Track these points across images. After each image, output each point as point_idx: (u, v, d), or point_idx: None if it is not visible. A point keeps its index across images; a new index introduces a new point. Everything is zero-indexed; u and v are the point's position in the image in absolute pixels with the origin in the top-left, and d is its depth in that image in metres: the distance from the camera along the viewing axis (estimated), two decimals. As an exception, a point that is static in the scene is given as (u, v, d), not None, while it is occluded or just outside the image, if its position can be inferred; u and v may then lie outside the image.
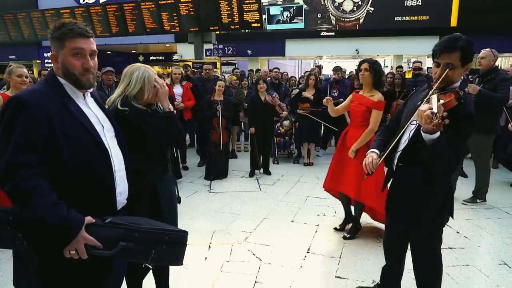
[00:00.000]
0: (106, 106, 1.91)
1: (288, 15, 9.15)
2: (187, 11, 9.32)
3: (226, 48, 14.50)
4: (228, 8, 9.01)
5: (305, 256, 3.12)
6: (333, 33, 12.84)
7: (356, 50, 12.53)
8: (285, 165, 6.27)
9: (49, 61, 9.61)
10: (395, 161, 2.05)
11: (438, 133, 1.64)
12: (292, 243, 3.36)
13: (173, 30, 9.73)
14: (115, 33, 10.24)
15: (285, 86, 6.98)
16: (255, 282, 2.73)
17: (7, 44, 12.78)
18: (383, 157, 1.96)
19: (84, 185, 1.46)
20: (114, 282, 1.73)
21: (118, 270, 1.72)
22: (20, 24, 11.17)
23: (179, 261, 1.66)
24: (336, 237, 3.50)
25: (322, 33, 12.78)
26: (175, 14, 9.44)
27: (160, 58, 19.77)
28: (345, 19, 12.17)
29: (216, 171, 5.28)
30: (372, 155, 2.02)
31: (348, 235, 3.43)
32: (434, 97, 1.68)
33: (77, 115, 1.49)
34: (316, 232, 3.61)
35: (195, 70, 8.91)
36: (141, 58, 19.43)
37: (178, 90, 5.63)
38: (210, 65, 6.40)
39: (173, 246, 1.58)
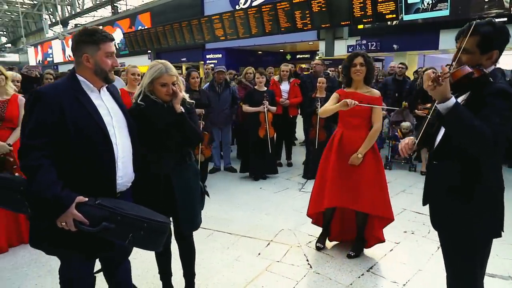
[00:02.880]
0: (133, 100, 2.14)
1: (430, 2, 7.97)
2: (319, 8, 9.27)
3: (370, 43, 13.67)
4: (361, 1, 8.52)
5: (362, 275, 2.77)
6: (506, 19, 10.51)
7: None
8: (397, 172, 5.59)
9: (211, 61, 11.15)
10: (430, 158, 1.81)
11: (452, 100, 1.48)
12: (356, 259, 3.02)
13: (305, 28, 9.83)
14: (254, 33, 11.06)
15: (410, 83, 6.16)
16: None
17: (180, 48, 15.41)
18: (419, 138, 1.76)
19: (86, 165, 1.69)
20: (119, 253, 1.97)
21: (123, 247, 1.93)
22: (192, 29, 13.21)
23: (154, 247, 1.80)
24: (411, 259, 2.96)
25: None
26: (307, 11, 9.51)
27: (305, 56, 20.19)
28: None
29: (313, 169, 5.13)
30: (409, 138, 1.86)
31: (354, 253, 3.02)
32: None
33: (87, 106, 1.73)
34: (390, 251, 3.13)
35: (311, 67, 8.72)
36: (288, 57, 20.28)
37: (285, 87, 5.69)
38: (319, 61, 6.21)
39: (150, 233, 1.72)
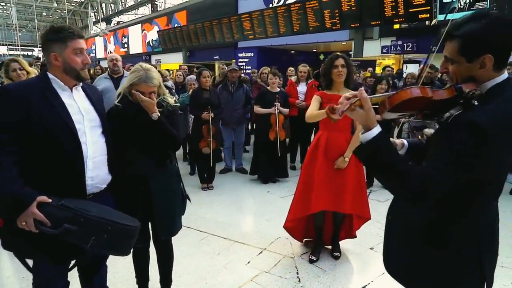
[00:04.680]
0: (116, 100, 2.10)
1: (467, 1, 7.40)
2: (348, 7, 8.93)
3: (405, 44, 13.03)
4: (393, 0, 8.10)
5: (352, 294, 2.58)
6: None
7: None
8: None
9: (243, 60, 11.16)
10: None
11: (375, 131, 1.17)
12: (350, 275, 2.83)
13: (334, 28, 9.52)
14: (283, 33, 10.88)
15: (439, 86, 5.76)
16: (273, 303, 2.46)
17: (212, 46, 15.52)
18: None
19: (53, 164, 1.66)
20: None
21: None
22: (222, 28, 13.26)
23: (120, 252, 1.74)
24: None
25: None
26: (336, 11, 9.21)
27: (339, 56, 19.66)
28: None
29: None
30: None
31: (340, 253, 3.07)
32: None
33: (54, 104, 1.69)
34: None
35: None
36: (321, 57, 19.87)
37: (302, 88, 5.51)
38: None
39: (114, 237, 1.66)
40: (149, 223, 2.23)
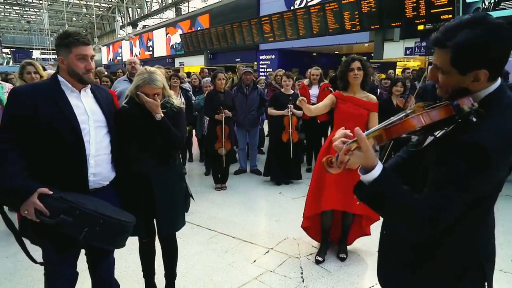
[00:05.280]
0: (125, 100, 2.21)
1: (492, 1, 7.16)
2: (368, 8, 8.86)
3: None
4: (414, 0, 7.97)
5: (355, 295, 2.59)
6: None
7: None
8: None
9: (264, 62, 11.25)
10: None
11: (377, 171, 1.09)
12: (354, 277, 2.83)
13: (354, 29, 9.45)
14: (302, 35, 10.90)
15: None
16: (275, 301, 2.50)
17: (234, 48, 15.70)
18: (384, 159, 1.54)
19: (57, 160, 1.78)
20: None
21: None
22: (243, 31, 13.43)
23: (112, 245, 1.84)
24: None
25: None
26: (356, 12, 9.14)
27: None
28: None
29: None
30: None
31: (346, 255, 3.09)
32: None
33: (60, 104, 1.81)
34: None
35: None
36: (343, 59, 19.68)
37: (314, 91, 5.52)
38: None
39: (107, 230, 1.75)
40: (154, 219, 2.32)
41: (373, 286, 2.70)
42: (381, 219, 2.95)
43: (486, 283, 1.20)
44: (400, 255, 1.32)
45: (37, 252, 1.85)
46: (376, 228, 3.20)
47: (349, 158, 1.10)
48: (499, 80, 1.10)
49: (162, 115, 2.10)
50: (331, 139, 2.93)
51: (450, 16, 7.52)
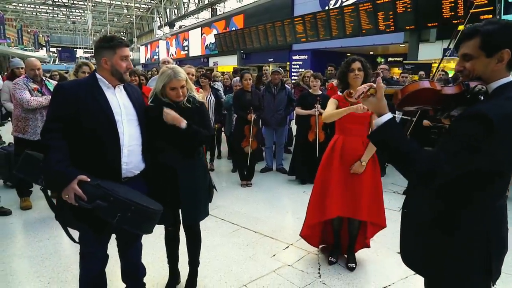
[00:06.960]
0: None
1: (535, 1, 6.80)
2: (403, 9, 8.68)
3: (469, 46, 12.19)
4: (452, 0, 7.73)
5: (370, 293, 2.62)
6: None
7: None
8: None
9: (296, 63, 11.30)
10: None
11: (385, 117, 1.31)
12: (371, 275, 2.86)
13: (388, 30, 9.29)
14: (334, 35, 10.83)
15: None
16: (290, 294, 2.59)
17: (267, 48, 15.85)
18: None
19: (95, 150, 1.98)
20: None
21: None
22: (275, 31, 13.56)
23: (142, 230, 2.01)
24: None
25: None
26: (391, 12, 8.98)
27: (398, 59, 18.86)
28: None
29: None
30: None
31: (355, 265, 2.97)
32: None
33: (98, 98, 2.01)
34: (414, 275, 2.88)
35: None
36: (379, 59, 19.23)
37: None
38: (386, 65, 5.84)
39: (137, 216, 1.92)
40: (179, 209, 2.48)
41: (389, 285, 2.72)
42: (387, 226, 2.91)
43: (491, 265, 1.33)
44: (419, 229, 1.48)
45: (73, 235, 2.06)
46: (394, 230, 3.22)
47: (364, 92, 1.36)
48: (510, 77, 1.31)
49: (186, 123, 2.23)
50: (333, 142, 2.90)
51: (491, 16, 7.23)
